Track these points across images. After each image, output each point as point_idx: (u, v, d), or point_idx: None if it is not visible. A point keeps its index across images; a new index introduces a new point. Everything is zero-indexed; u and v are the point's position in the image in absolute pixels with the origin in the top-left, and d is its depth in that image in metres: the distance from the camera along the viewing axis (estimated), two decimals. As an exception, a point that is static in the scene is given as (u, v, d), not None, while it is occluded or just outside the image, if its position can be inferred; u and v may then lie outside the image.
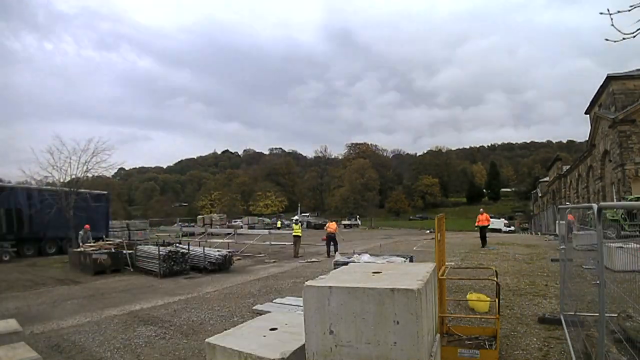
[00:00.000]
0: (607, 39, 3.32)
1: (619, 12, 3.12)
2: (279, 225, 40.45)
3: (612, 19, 3.11)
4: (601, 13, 3.16)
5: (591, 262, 5.59)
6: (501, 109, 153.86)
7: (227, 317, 7.06)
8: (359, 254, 7.06)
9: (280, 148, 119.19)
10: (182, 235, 24.08)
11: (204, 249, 14.26)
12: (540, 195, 61.08)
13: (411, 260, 6.87)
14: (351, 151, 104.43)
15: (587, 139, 32.18)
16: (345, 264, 6.34)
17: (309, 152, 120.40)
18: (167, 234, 27.20)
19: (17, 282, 12.13)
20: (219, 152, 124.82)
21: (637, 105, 22.93)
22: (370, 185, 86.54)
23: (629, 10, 3.10)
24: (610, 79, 25.17)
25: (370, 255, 6.74)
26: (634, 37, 3.14)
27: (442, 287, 4.98)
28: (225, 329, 6.18)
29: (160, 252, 12.46)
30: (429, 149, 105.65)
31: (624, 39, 3.21)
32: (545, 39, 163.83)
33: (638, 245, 4.49)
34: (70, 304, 8.78)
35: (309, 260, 15.87)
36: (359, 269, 3.55)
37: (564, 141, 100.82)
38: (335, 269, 6.47)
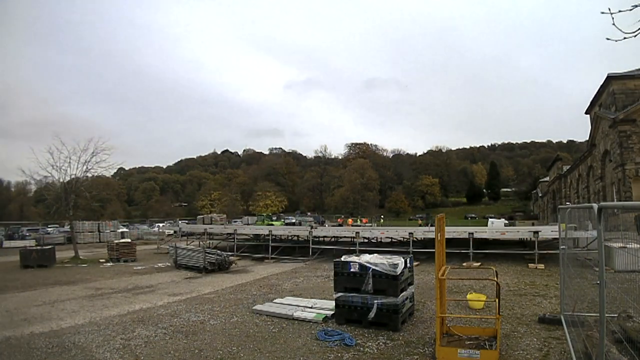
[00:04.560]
0: (608, 38, 3.31)
1: (620, 11, 3.10)
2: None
3: (613, 18, 3.10)
4: (602, 12, 3.14)
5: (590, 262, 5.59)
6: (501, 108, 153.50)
7: (227, 317, 7.06)
8: (359, 255, 7.05)
9: (280, 148, 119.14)
10: (182, 235, 23.96)
11: (204, 249, 14.27)
12: (540, 195, 61.09)
13: (411, 260, 6.87)
14: (351, 151, 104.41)
15: (587, 139, 32.16)
16: (346, 263, 6.35)
17: (309, 152, 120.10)
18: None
19: (16, 281, 12.13)
20: (219, 152, 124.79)
21: (638, 105, 22.91)
22: (370, 185, 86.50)
23: (630, 10, 3.08)
24: (610, 78, 25.13)
25: (371, 254, 6.72)
26: (635, 36, 3.13)
27: (442, 287, 4.98)
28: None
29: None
30: (429, 149, 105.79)
31: (625, 38, 3.19)
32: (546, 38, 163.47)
33: (638, 246, 4.48)
34: (70, 303, 8.77)
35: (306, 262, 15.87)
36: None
37: (564, 141, 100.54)
38: (335, 268, 6.48)
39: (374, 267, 6.03)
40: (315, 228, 20.55)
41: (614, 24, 3.14)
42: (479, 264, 12.49)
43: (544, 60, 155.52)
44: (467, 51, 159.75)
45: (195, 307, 8.03)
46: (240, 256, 17.56)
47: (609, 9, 3.10)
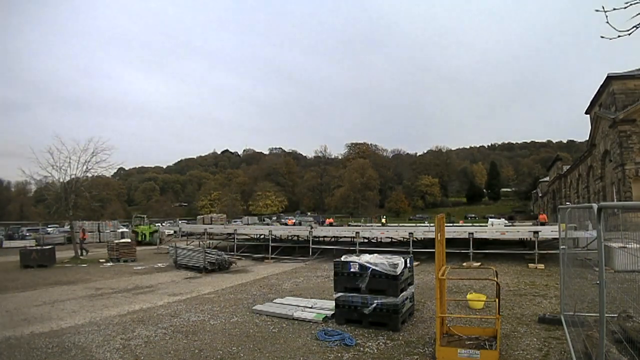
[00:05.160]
0: (602, 37, 3.30)
1: (614, 9, 3.09)
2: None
3: (607, 16, 3.09)
4: (597, 10, 3.13)
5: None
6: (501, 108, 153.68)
7: (227, 317, 7.06)
8: (359, 255, 7.04)
9: (280, 148, 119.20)
10: (182, 235, 24.01)
11: (204, 249, 14.27)
12: (540, 195, 61.11)
13: (411, 260, 6.87)
14: (351, 151, 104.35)
15: (587, 139, 32.17)
16: (346, 263, 6.35)
17: (309, 152, 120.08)
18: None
19: (16, 281, 12.13)
20: (219, 152, 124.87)
21: (638, 105, 22.90)
22: (370, 185, 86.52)
23: (625, 8, 3.07)
24: (610, 78, 25.12)
25: (371, 255, 6.72)
26: (630, 34, 3.11)
27: (442, 287, 4.98)
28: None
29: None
30: (429, 149, 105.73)
31: (619, 36, 3.18)
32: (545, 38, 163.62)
33: (638, 246, 4.48)
34: (70, 303, 8.77)
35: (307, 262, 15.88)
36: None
37: (564, 141, 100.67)
38: (335, 268, 6.48)
39: (373, 267, 6.03)
40: (315, 228, 20.56)
41: (607, 22, 3.12)
42: (479, 264, 12.49)
43: (543, 59, 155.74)
44: (466, 50, 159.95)
45: (195, 307, 8.03)
46: (240, 256, 17.56)
47: (603, 7, 3.08)
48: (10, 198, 64.21)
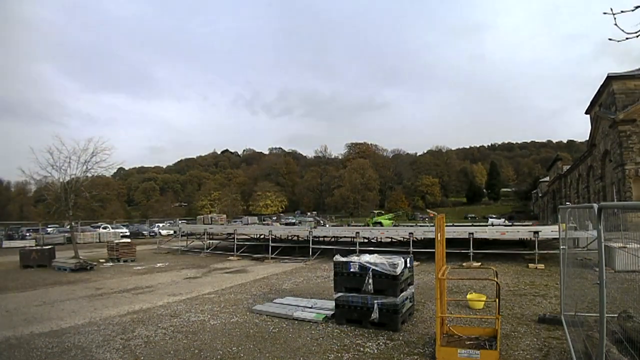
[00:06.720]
0: (610, 39, 3.30)
1: (622, 11, 3.09)
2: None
3: (615, 19, 3.09)
4: (605, 13, 3.13)
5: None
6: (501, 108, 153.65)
7: (227, 317, 7.06)
8: (359, 255, 7.04)
9: (280, 148, 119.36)
10: (182, 235, 24.03)
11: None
12: (540, 195, 61.12)
13: (411, 260, 6.86)
14: (351, 151, 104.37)
15: (588, 139, 32.18)
16: (346, 263, 6.35)
17: (309, 152, 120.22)
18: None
19: (16, 281, 12.13)
20: (219, 152, 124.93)
21: (638, 105, 22.92)
22: (370, 185, 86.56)
23: (632, 10, 3.07)
24: (610, 78, 25.13)
25: (371, 255, 6.72)
26: (638, 36, 3.12)
27: (442, 287, 4.98)
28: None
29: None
30: (429, 148, 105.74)
31: (627, 38, 3.18)
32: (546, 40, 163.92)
33: (638, 246, 4.49)
34: (70, 303, 8.77)
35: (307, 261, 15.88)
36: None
37: (564, 141, 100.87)
38: (335, 268, 6.48)
39: (374, 267, 6.04)
40: (315, 227, 20.57)
41: (615, 24, 3.12)
42: (479, 264, 12.49)
43: (543, 59, 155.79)
44: (466, 50, 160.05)
45: (195, 307, 8.03)
46: (240, 256, 17.57)
47: (611, 9, 3.09)
48: (10, 198, 64.30)
